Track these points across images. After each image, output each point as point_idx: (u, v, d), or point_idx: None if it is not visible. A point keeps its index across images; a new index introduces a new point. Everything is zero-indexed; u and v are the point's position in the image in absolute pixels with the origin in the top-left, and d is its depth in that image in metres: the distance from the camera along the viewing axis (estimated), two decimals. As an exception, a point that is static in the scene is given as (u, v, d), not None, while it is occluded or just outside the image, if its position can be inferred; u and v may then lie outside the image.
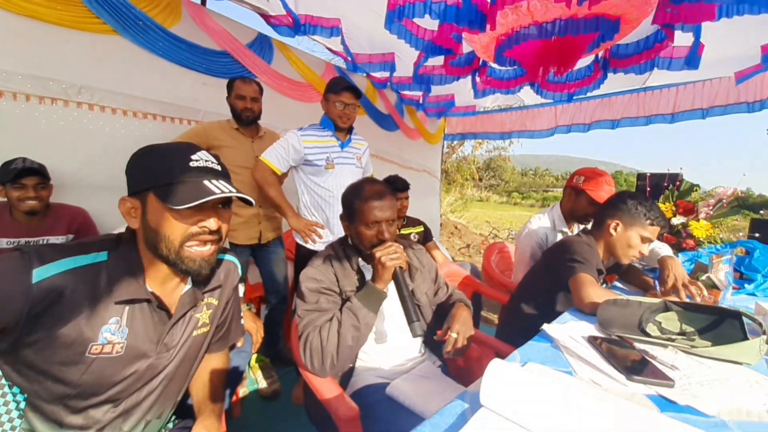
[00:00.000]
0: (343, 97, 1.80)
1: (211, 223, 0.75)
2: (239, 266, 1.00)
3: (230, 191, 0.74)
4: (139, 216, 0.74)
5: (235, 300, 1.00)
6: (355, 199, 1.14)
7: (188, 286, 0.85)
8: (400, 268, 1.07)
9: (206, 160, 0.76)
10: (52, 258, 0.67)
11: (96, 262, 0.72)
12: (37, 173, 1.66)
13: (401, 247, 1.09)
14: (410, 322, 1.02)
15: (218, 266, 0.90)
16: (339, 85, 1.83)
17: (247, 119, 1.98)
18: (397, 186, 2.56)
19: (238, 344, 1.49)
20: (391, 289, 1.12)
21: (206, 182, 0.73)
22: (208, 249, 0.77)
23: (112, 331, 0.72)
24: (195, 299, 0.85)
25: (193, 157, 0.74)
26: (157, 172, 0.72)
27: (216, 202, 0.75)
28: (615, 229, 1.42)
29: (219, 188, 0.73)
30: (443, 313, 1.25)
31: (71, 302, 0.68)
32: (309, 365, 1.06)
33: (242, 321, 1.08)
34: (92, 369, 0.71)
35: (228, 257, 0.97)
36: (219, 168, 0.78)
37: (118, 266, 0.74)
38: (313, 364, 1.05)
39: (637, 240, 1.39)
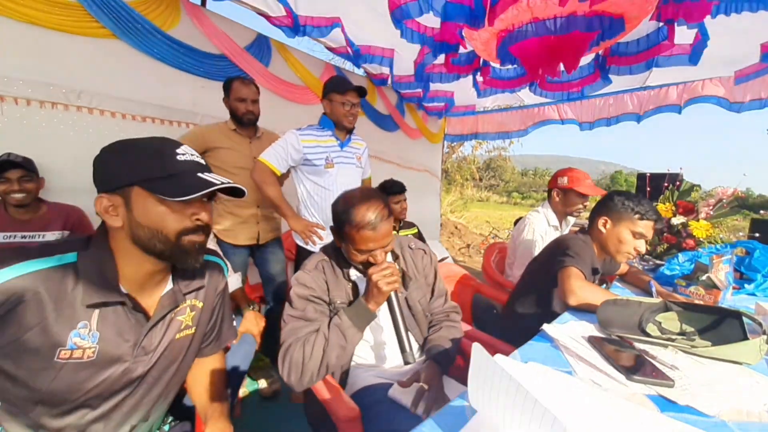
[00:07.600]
0: (349, 97, 1.81)
1: (204, 216, 0.74)
2: (225, 268, 0.97)
3: (226, 182, 0.73)
4: (122, 213, 0.70)
5: (223, 302, 0.97)
6: (346, 223, 1.03)
7: (168, 286, 0.81)
8: (395, 291, 1.03)
9: (191, 154, 0.75)
10: (10, 261, 0.64)
11: (61, 264, 0.68)
12: (20, 166, 1.69)
13: (396, 266, 1.05)
14: (402, 351, 1.01)
15: (202, 265, 0.87)
16: (344, 86, 1.82)
17: (249, 121, 1.98)
18: (394, 189, 2.55)
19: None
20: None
21: (200, 174, 0.72)
22: (201, 237, 0.76)
23: (81, 335, 0.69)
24: (176, 300, 0.81)
25: (179, 150, 0.73)
26: (145, 166, 0.69)
27: (203, 195, 0.74)
28: (604, 226, 1.43)
29: (214, 180, 0.72)
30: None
31: (33, 306, 0.65)
32: (285, 377, 1.02)
33: (234, 323, 1.06)
34: (62, 375, 0.69)
35: (213, 258, 0.94)
36: (203, 162, 0.77)
37: (88, 268, 0.70)
38: (290, 378, 1.01)
39: (628, 236, 1.38)
